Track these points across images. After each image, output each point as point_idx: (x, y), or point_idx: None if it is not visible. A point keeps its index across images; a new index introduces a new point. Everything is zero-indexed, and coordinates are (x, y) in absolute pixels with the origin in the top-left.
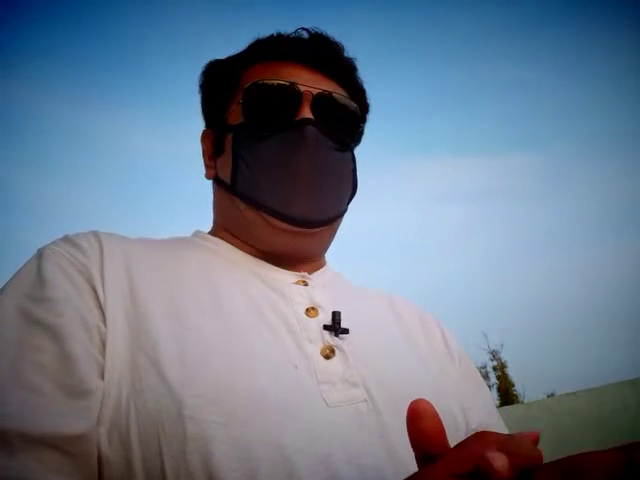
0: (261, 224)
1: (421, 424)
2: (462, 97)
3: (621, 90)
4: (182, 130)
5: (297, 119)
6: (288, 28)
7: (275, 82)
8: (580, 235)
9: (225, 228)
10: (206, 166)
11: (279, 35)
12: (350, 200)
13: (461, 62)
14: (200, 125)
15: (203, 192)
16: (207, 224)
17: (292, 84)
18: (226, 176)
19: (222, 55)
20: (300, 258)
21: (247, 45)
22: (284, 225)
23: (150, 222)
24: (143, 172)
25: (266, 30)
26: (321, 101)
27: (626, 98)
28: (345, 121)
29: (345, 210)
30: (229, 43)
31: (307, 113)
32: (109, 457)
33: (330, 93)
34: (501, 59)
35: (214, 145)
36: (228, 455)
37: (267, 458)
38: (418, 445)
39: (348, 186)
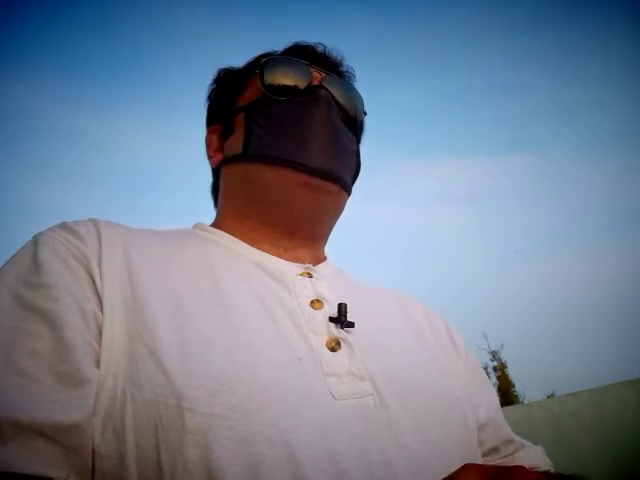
0: (279, 182)
1: None
2: (461, 98)
3: (619, 91)
4: (181, 130)
5: (311, 86)
6: (287, 28)
7: (289, 58)
8: (580, 235)
9: (232, 212)
10: (210, 157)
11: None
12: (354, 181)
13: (460, 63)
14: (198, 124)
15: (203, 192)
16: (207, 222)
17: (304, 62)
18: (237, 148)
19: (222, 56)
20: (312, 223)
21: (252, 58)
22: (303, 176)
23: (150, 222)
24: (143, 172)
25: (265, 30)
26: (329, 80)
27: (625, 99)
28: (350, 101)
29: (351, 189)
30: (228, 44)
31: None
32: (102, 450)
33: (336, 75)
34: (500, 60)
35: (222, 134)
36: (229, 449)
37: (270, 453)
38: None
39: (353, 163)
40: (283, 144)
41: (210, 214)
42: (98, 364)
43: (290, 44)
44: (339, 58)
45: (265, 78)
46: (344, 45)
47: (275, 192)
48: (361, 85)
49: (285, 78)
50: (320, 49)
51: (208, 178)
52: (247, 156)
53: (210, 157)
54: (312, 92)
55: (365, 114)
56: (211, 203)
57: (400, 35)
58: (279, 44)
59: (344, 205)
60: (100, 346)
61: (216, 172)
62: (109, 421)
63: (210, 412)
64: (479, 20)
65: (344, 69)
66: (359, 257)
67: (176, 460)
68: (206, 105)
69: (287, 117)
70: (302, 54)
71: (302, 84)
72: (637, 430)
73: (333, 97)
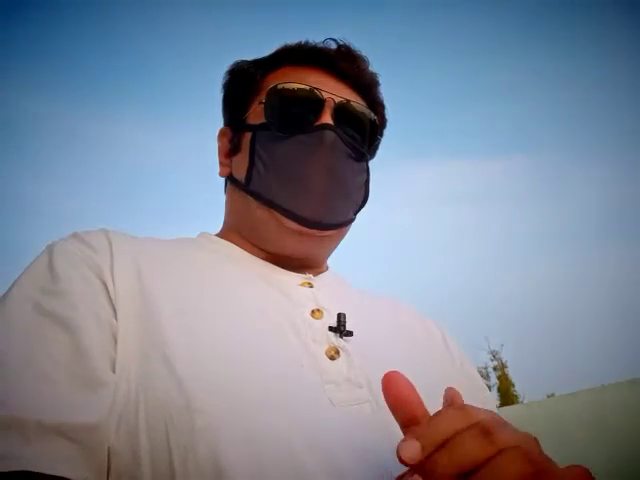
0: (272, 224)
1: (397, 391)
2: (459, 99)
3: (617, 93)
4: (184, 132)
5: (317, 124)
6: (284, 28)
7: (297, 86)
8: (579, 236)
9: (235, 229)
10: (221, 163)
11: (306, 42)
12: (359, 210)
13: (458, 64)
14: (200, 127)
15: (204, 194)
16: (210, 226)
17: (314, 89)
18: (241, 175)
19: (222, 55)
20: (306, 261)
21: (274, 49)
22: (295, 226)
23: (152, 224)
24: (144, 174)
25: (265, 32)
26: (342, 109)
27: (622, 100)
28: (363, 131)
29: (353, 219)
30: (229, 45)
31: (327, 119)
32: (117, 449)
33: (351, 102)
34: (498, 62)
35: (231, 143)
36: (236, 449)
37: (274, 453)
38: (397, 411)
39: (359, 196)
40: (280, 189)
41: (210, 217)
42: (114, 368)
43: (310, 45)
44: (361, 65)
45: (268, 109)
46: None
47: (270, 233)
48: None
49: (292, 113)
50: (343, 52)
51: (206, 179)
52: (248, 191)
53: (220, 163)
54: (317, 133)
55: (382, 135)
56: (211, 208)
57: (398, 35)
58: (279, 40)
59: (345, 234)
60: (115, 352)
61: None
62: (123, 422)
63: (217, 413)
64: (476, 21)
65: (370, 77)
66: (359, 258)
67: (187, 458)
68: (222, 93)
69: (289, 158)
70: (319, 61)
71: (310, 119)
72: (637, 430)
73: (340, 136)
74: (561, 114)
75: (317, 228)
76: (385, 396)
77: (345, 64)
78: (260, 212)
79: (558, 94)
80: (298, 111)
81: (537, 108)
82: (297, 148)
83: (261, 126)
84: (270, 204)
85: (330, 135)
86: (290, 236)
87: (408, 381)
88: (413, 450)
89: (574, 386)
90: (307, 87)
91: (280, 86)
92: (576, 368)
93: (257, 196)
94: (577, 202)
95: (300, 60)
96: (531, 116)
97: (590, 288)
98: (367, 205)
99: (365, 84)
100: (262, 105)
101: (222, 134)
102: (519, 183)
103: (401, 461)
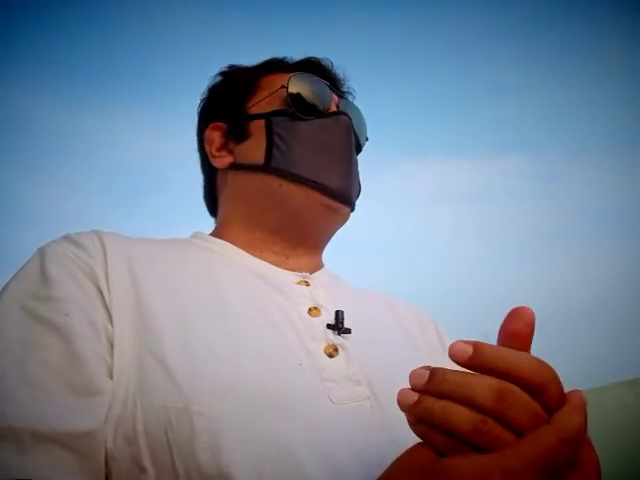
0: (300, 198)
1: (514, 324)
2: (456, 100)
3: (613, 92)
4: (187, 132)
5: (330, 111)
6: (282, 32)
7: (316, 78)
8: (577, 235)
9: (239, 220)
10: (213, 156)
11: (290, 58)
12: (356, 199)
13: (455, 65)
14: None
15: (201, 195)
16: (205, 227)
17: (325, 83)
18: (256, 158)
19: (221, 57)
20: (320, 238)
21: (261, 61)
22: (326, 199)
23: (155, 225)
24: (146, 175)
25: (263, 34)
26: (345, 106)
27: (618, 99)
28: (361, 128)
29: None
30: (229, 48)
31: (336, 109)
32: (115, 455)
33: (349, 100)
34: (495, 62)
35: (229, 134)
36: (236, 450)
37: (274, 453)
38: (504, 341)
39: (359, 185)
40: (308, 165)
41: (208, 218)
42: (111, 374)
43: (303, 57)
44: (345, 78)
45: (292, 94)
46: (338, 45)
47: (296, 209)
48: (356, 86)
49: (311, 98)
50: (333, 67)
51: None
52: (269, 169)
53: (213, 156)
54: (335, 117)
55: (367, 139)
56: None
57: (395, 36)
58: (276, 42)
59: (345, 221)
60: (112, 357)
61: (213, 172)
62: (120, 427)
63: (217, 415)
64: (472, 22)
65: (349, 90)
66: (357, 257)
67: (189, 461)
68: (205, 98)
69: (312, 138)
70: (319, 72)
71: (324, 106)
72: (637, 430)
73: (351, 124)
74: (558, 114)
75: (344, 202)
76: (504, 325)
77: (332, 76)
78: (285, 188)
79: (555, 94)
80: (315, 99)
81: (535, 108)
82: (319, 129)
83: (276, 112)
84: (298, 179)
85: (346, 119)
86: (318, 211)
87: (532, 318)
88: (464, 349)
89: (574, 386)
90: (323, 81)
91: (302, 76)
92: (576, 368)
93: (281, 173)
94: (578, 202)
95: (292, 68)
96: (529, 116)
97: (589, 288)
98: (365, 205)
99: (348, 94)
100: (278, 92)
101: (213, 129)
102: (517, 183)
103: (451, 356)
